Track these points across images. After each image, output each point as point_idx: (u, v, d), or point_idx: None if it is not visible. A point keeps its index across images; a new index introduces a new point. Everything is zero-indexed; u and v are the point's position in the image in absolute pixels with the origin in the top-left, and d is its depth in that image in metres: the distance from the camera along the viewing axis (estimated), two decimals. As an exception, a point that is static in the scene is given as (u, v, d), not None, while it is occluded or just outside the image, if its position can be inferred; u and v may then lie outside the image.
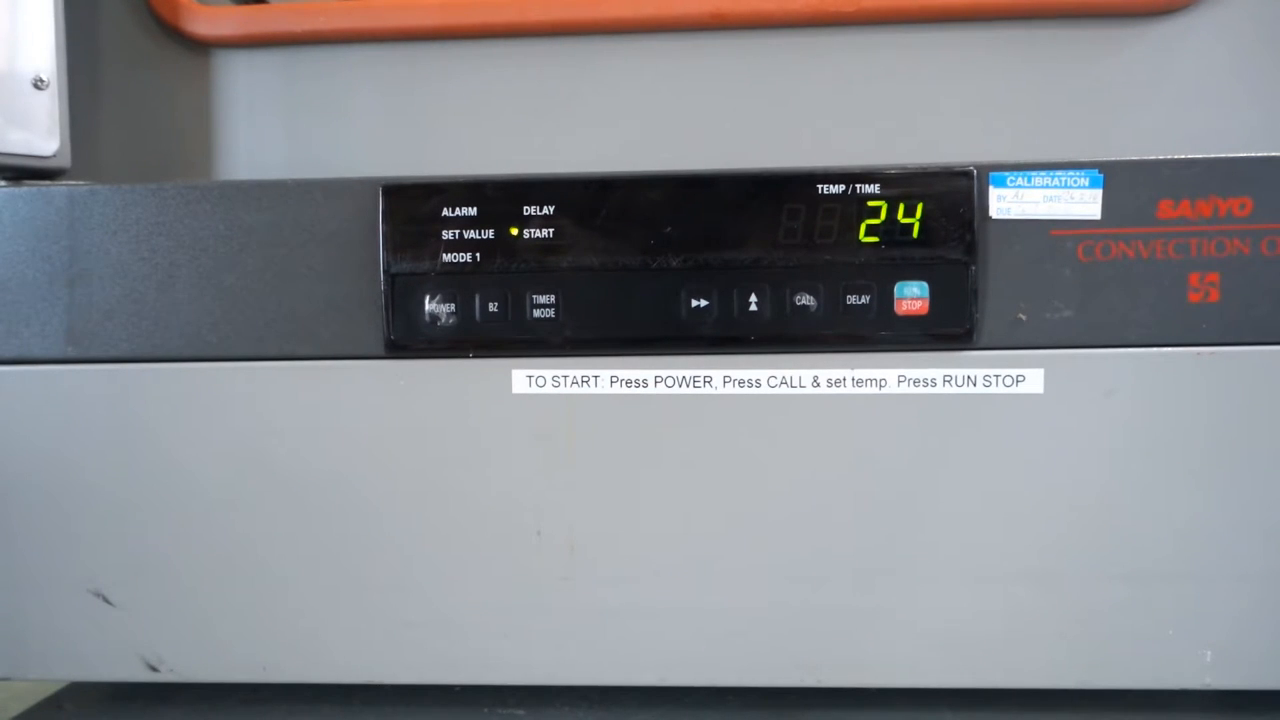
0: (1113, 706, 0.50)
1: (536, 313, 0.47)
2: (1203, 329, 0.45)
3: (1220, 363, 0.46)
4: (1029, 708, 0.50)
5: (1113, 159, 0.45)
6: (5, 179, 0.54)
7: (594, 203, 0.47)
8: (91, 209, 0.48)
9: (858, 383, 0.47)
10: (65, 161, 0.57)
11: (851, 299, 0.46)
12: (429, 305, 0.47)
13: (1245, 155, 0.45)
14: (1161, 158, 0.45)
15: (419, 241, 0.47)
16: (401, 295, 0.47)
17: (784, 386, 0.47)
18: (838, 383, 0.47)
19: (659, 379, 0.47)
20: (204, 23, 0.72)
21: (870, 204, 0.46)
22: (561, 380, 0.48)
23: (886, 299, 0.46)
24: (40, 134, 0.56)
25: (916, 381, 0.47)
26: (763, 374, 0.47)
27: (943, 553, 0.47)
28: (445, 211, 0.47)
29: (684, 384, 0.47)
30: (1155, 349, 0.46)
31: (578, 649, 0.49)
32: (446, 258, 0.47)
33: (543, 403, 0.48)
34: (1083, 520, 0.47)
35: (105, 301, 0.49)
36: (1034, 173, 0.46)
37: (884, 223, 0.46)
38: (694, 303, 0.47)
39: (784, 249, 0.46)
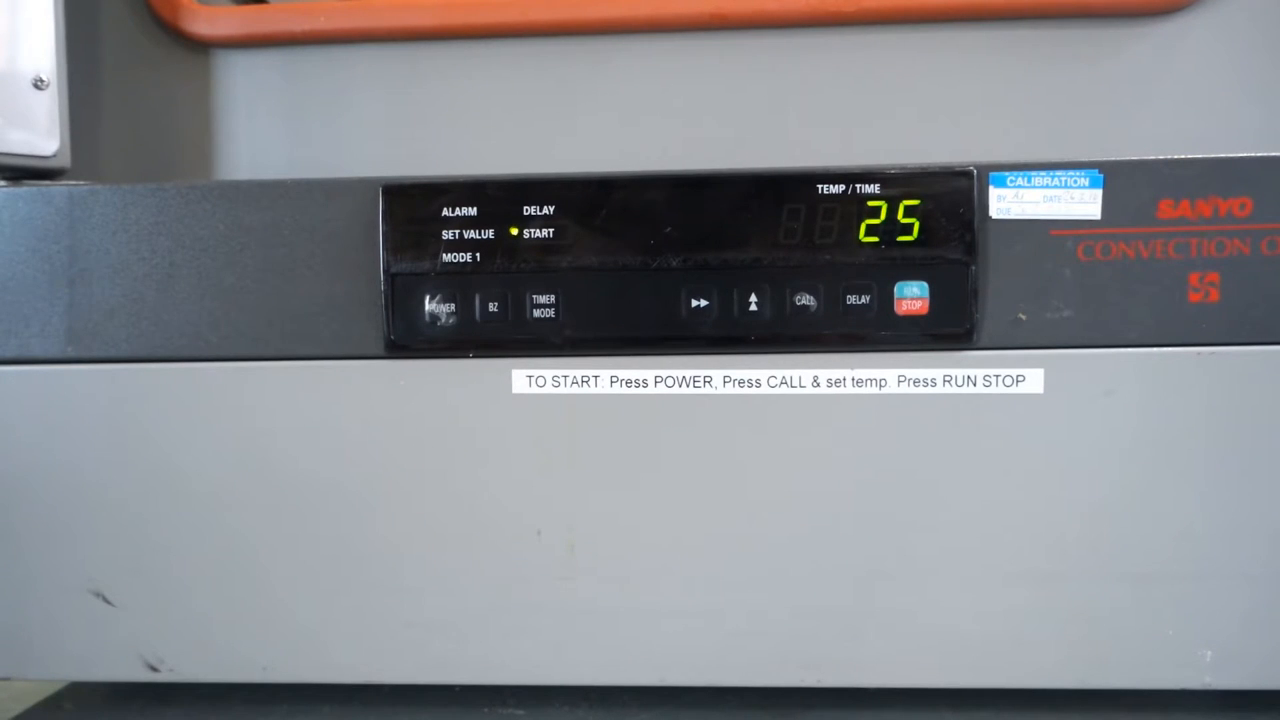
0: (1113, 706, 0.50)
1: (536, 313, 0.47)
2: (1203, 329, 0.45)
3: (1220, 363, 0.46)
4: (1029, 708, 0.50)
5: (1113, 159, 0.45)
6: (5, 179, 0.54)
7: (594, 203, 0.47)
8: (91, 209, 0.48)
9: (858, 383, 0.47)
10: (65, 161, 0.57)
11: (851, 299, 0.46)
12: (429, 305, 0.47)
13: (1245, 155, 0.45)
14: (1161, 158, 0.45)
15: (419, 241, 0.47)
16: (401, 295, 0.47)
17: (784, 386, 0.47)
18: (838, 383, 0.47)
19: (659, 379, 0.47)
20: (204, 23, 0.72)
21: (870, 204, 0.46)
22: (561, 380, 0.48)
23: (886, 299, 0.46)
24: (40, 134, 0.56)
25: (916, 381, 0.47)
26: (763, 374, 0.47)
27: (942, 553, 0.47)
28: (445, 211, 0.47)
29: (684, 384, 0.47)
30: (1155, 349, 0.46)
31: (578, 649, 0.49)
32: (446, 258, 0.47)
33: (543, 403, 0.48)
34: (1082, 520, 0.47)
35: (105, 301, 0.49)
36: (1034, 173, 0.46)
37: (884, 223, 0.46)
38: (694, 303, 0.47)
39: (784, 249, 0.46)
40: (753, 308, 0.47)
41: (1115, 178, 0.45)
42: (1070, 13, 0.68)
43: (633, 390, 0.47)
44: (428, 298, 0.47)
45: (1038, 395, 0.46)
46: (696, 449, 0.48)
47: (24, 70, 0.56)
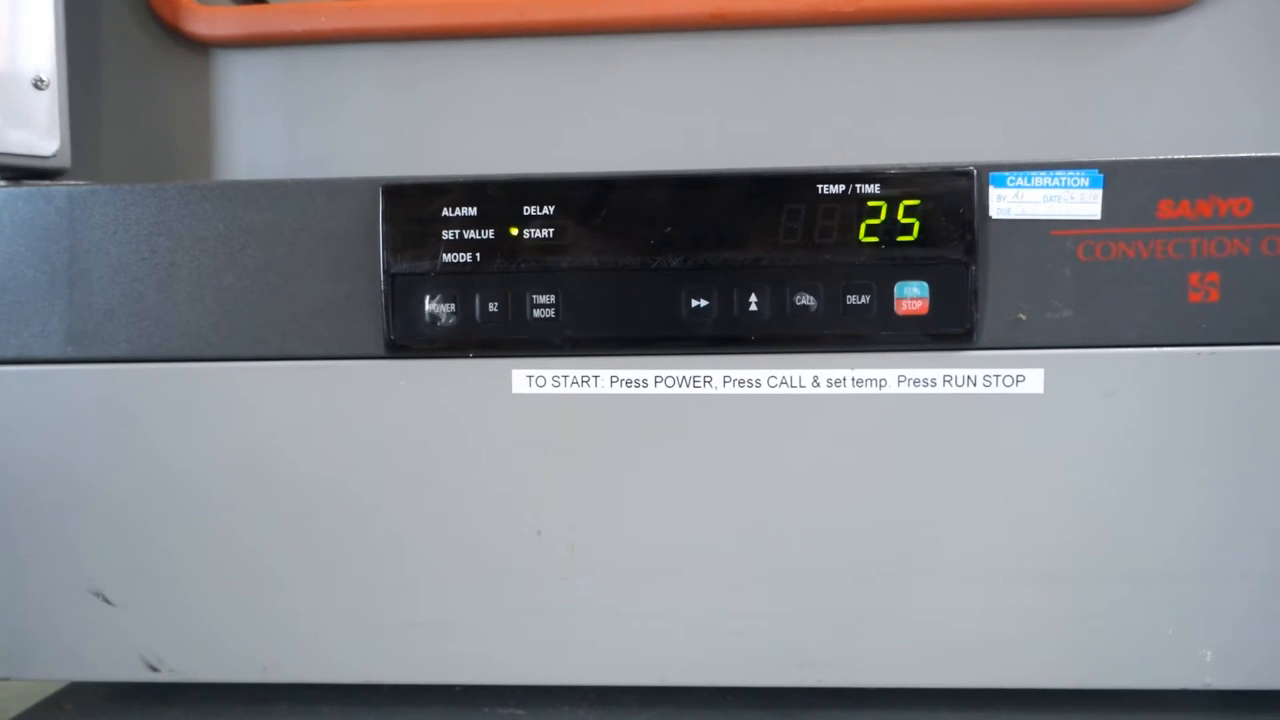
0: (1113, 706, 0.50)
1: (536, 313, 0.47)
2: (1203, 329, 0.45)
3: (1220, 363, 0.46)
4: (1029, 708, 0.50)
5: (1113, 159, 0.45)
6: (5, 179, 0.54)
7: (594, 203, 0.47)
8: (91, 209, 0.48)
9: (858, 383, 0.47)
10: (65, 161, 0.57)
11: (851, 299, 0.46)
12: (429, 305, 0.47)
13: (1245, 155, 0.45)
14: (1161, 158, 0.45)
15: (419, 241, 0.47)
16: (401, 295, 0.47)
17: (784, 386, 0.47)
18: (838, 383, 0.47)
19: (659, 379, 0.47)
20: (204, 23, 0.72)
21: (870, 204, 0.46)
22: (561, 380, 0.48)
23: (886, 299, 0.46)
24: (40, 134, 0.56)
25: (916, 381, 0.47)
26: (763, 374, 0.47)
27: (942, 552, 0.47)
28: (445, 211, 0.47)
29: (684, 384, 0.47)
30: (1155, 349, 0.46)
31: (578, 649, 0.49)
32: (446, 258, 0.47)
33: (543, 403, 0.48)
34: (1082, 520, 0.47)
35: (105, 301, 0.49)
36: (1034, 173, 0.46)
37: (884, 223, 0.46)
38: (694, 303, 0.47)
39: (784, 249, 0.46)
40: (753, 308, 0.47)
41: (1115, 178, 0.45)
42: (1070, 13, 0.68)
43: (633, 390, 0.47)
44: (428, 298, 0.47)
45: (1038, 395, 0.46)
46: (696, 449, 0.48)
47: (24, 70, 0.56)
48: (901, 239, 0.46)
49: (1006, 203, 0.46)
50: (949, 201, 0.46)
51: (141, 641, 0.50)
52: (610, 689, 0.52)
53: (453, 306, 0.47)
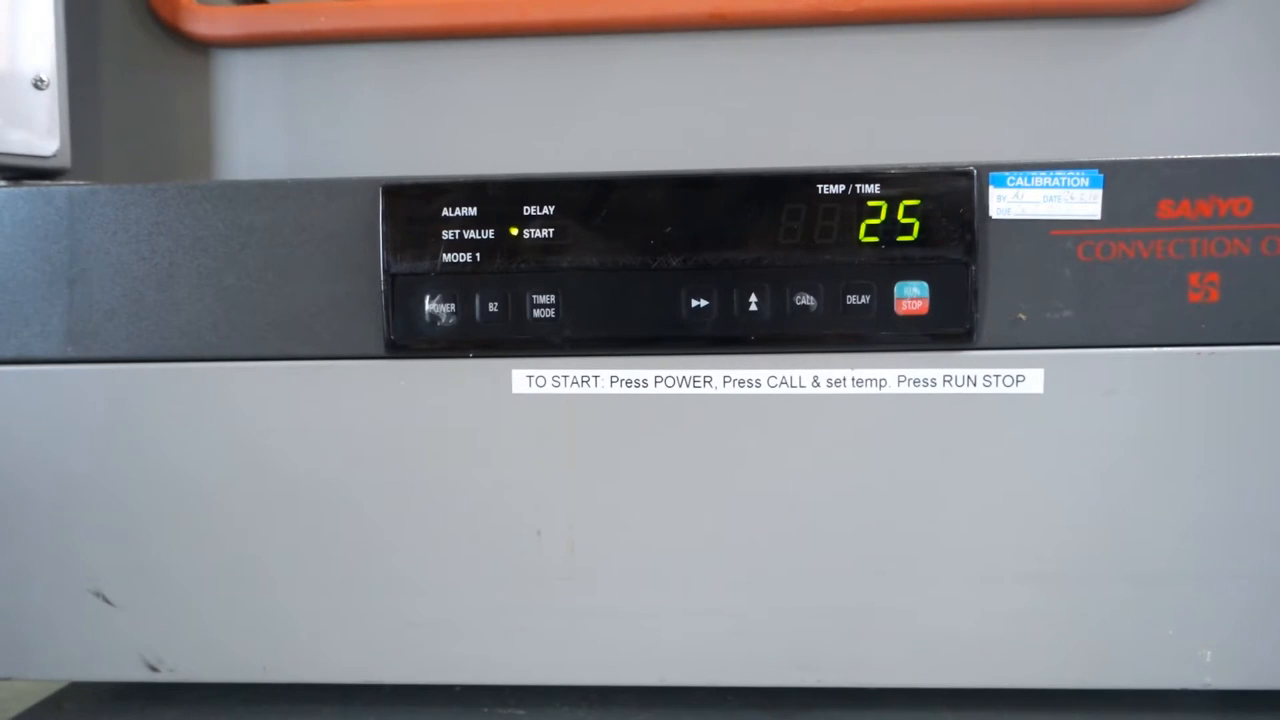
0: (1113, 706, 0.50)
1: (536, 313, 0.47)
2: (1203, 329, 0.45)
3: (1220, 363, 0.46)
4: (1029, 708, 0.50)
5: (1113, 159, 0.45)
6: (5, 179, 0.54)
7: (594, 203, 0.47)
8: (91, 209, 0.48)
9: (858, 383, 0.47)
10: (65, 161, 0.57)
11: (851, 299, 0.46)
12: (429, 305, 0.47)
13: (1245, 155, 0.45)
14: (1161, 158, 0.45)
15: (419, 241, 0.47)
16: (401, 295, 0.47)
17: (784, 386, 0.47)
18: (838, 383, 0.47)
19: (659, 379, 0.47)
20: (204, 23, 0.72)
21: (870, 204, 0.46)
22: (561, 380, 0.48)
23: (886, 299, 0.46)
24: (40, 134, 0.56)
25: (916, 381, 0.47)
26: (763, 374, 0.47)
27: (942, 553, 0.47)
28: (445, 211, 0.47)
29: (684, 384, 0.47)
30: (1155, 349, 0.46)
31: (578, 649, 0.49)
32: (446, 258, 0.47)
33: (543, 403, 0.48)
34: (1082, 520, 0.47)
35: (105, 301, 0.49)
36: (1034, 173, 0.46)
37: (884, 223, 0.46)
38: (694, 303, 0.47)
39: (784, 249, 0.46)
40: (753, 308, 0.47)
41: (1115, 178, 0.45)
42: (1070, 13, 0.68)
43: (633, 390, 0.47)
44: (428, 298, 0.47)
45: (1038, 395, 0.46)
46: (696, 449, 0.48)
47: (24, 70, 0.56)
48: (901, 239, 0.46)
49: (1006, 203, 0.46)
50: (949, 201, 0.46)
51: (141, 641, 0.50)
52: (610, 689, 0.52)
53: (453, 306, 0.47)
